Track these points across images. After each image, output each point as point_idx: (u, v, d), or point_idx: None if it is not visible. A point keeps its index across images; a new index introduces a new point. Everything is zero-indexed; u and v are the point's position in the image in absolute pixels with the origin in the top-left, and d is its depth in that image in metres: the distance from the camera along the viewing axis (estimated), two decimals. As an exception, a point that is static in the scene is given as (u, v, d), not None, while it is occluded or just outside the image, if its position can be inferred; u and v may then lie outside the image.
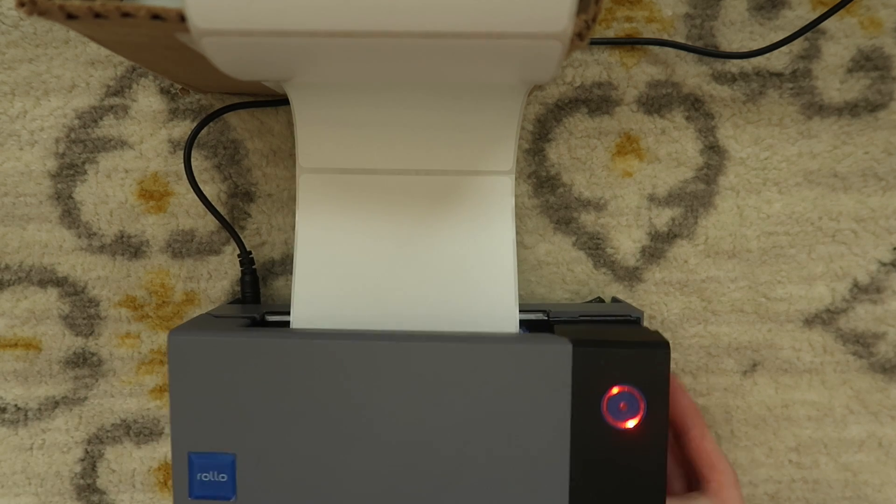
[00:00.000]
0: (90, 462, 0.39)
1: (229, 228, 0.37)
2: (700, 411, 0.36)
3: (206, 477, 0.29)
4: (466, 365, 0.28)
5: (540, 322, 0.33)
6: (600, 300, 0.38)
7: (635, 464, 0.27)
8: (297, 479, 0.29)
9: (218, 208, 0.38)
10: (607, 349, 0.28)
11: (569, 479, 0.28)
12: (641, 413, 0.27)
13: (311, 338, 0.29)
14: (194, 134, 0.36)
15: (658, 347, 0.28)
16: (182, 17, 0.22)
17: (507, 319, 0.31)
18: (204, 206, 0.38)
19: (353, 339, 0.29)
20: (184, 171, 0.38)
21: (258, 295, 0.37)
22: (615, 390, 0.27)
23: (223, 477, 0.29)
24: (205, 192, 0.38)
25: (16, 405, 0.39)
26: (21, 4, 0.22)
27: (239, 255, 0.37)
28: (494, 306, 0.31)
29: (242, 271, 0.37)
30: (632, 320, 0.32)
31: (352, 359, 0.28)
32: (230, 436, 0.29)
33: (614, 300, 0.38)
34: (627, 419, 0.27)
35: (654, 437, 0.27)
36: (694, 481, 0.35)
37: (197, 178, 0.37)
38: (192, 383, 0.29)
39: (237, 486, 0.29)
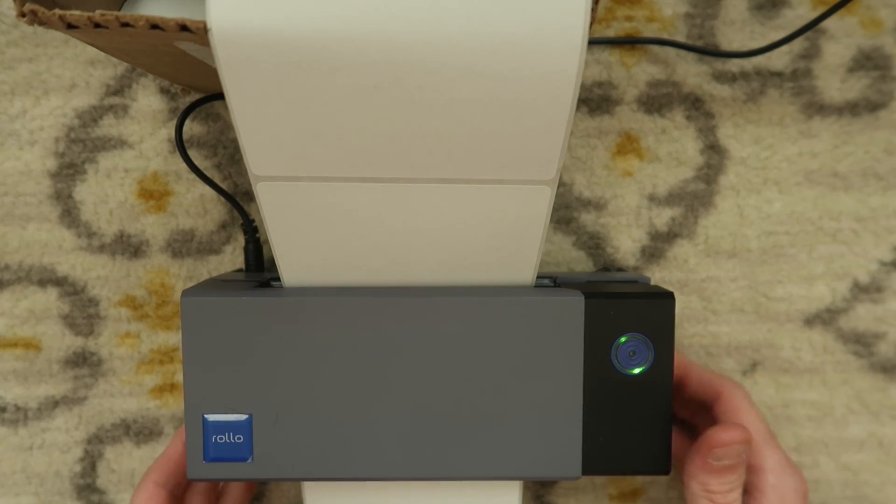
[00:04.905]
0: (90, 462, 0.39)
1: (229, 198, 0.36)
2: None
3: (221, 439, 0.29)
4: (481, 317, 0.29)
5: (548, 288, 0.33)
6: (606, 269, 0.39)
7: (644, 407, 0.30)
8: (313, 437, 0.29)
9: (218, 208, 0.38)
10: (617, 300, 0.29)
11: (582, 425, 0.29)
12: (649, 360, 0.29)
13: (326, 295, 0.29)
14: (188, 110, 0.35)
15: (664, 298, 0.29)
16: (182, 27, 0.22)
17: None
18: (206, 201, 0.38)
19: (368, 296, 0.29)
20: (183, 172, 0.38)
21: (262, 263, 0.37)
22: (624, 339, 0.29)
23: (239, 438, 0.29)
24: (205, 193, 0.38)
25: (16, 405, 0.39)
26: (22, 14, 0.22)
27: (242, 224, 0.37)
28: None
29: (246, 239, 0.37)
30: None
31: (367, 315, 0.29)
32: (245, 397, 0.29)
33: (619, 270, 0.38)
34: (636, 366, 0.29)
35: (661, 381, 0.30)
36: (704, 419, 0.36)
37: (197, 178, 0.37)
38: (206, 344, 0.29)
39: (253, 447, 0.29)
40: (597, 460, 0.30)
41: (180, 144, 0.35)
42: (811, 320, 0.39)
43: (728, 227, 0.39)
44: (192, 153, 0.38)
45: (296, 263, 0.30)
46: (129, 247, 0.38)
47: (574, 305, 0.29)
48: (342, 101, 0.23)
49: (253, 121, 0.24)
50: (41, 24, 0.22)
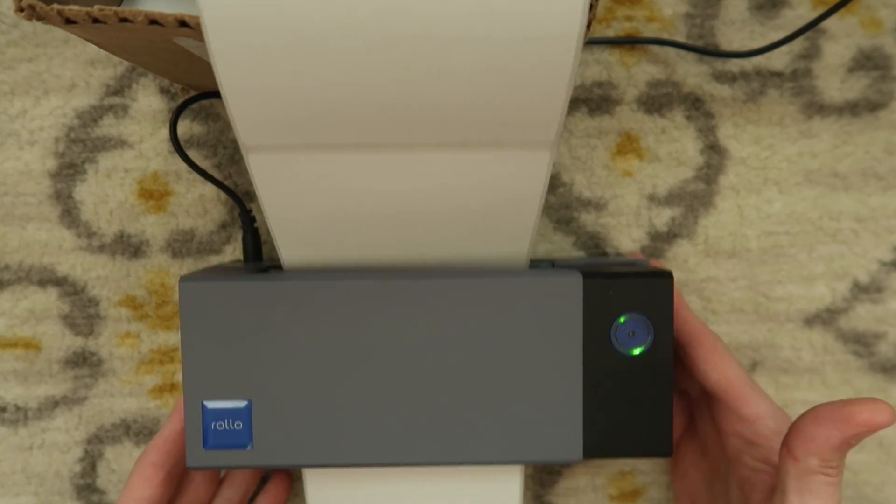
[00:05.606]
0: (90, 462, 0.39)
1: (226, 189, 0.36)
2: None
3: (220, 426, 0.29)
4: (479, 299, 0.29)
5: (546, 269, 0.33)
6: (604, 254, 0.39)
7: (645, 388, 0.29)
8: (313, 423, 0.29)
9: (218, 208, 0.38)
10: (615, 279, 0.29)
11: (582, 405, 0.29)
12: (649, 339, 0.29)
13: (324, 279, 0.29)
14: (182, 106, 0.35)
15: (662, 277, 0.29)
16: (180, 23, 0.22)
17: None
18: (206, 201, 0.38)
19: (367, 279, 0.29)
20: (183, 172, 0.38)
21: (260, 253, 0.37)
22: (623, 319, 0.29)
23: (238, 425, 0.29)
24: (205, 193, 0.38)
25: (16, 405, 0.39)
26: (20, 10, 0.22)
27: (239, 214, 0.37)
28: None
29: (244, 230, 0.36)
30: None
31: (366, 298, 0.29)
32: (244, 383, 0.29)
33: (617, 255, 0.38)
34: (635, 346, 0.29)
35: (660, 361, 0.29)
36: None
37: (197, 178, 0.37)
38: (204, 330, 0.28)
39: (253, 434, 0.29)
40: (598, 443, 0.29)
41: (175, 139, 0.34)
42: (811, 320, 0.39)
43: (728, 227, 0.39)
44: (191, 153, 0.38)
45: (292, 239, 0.29)
46: (129, 247, 0.38)
47: (572, 285, 0.29)
48: (334, 65, 0.23)
49: (241, 86, 0.23)
50: (39, 19, 0.22)
